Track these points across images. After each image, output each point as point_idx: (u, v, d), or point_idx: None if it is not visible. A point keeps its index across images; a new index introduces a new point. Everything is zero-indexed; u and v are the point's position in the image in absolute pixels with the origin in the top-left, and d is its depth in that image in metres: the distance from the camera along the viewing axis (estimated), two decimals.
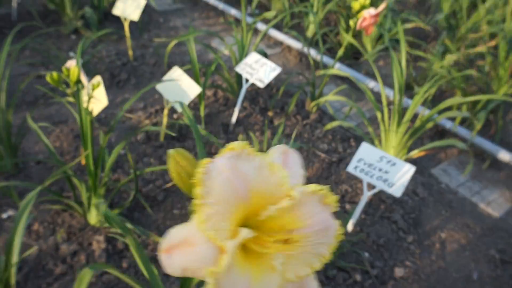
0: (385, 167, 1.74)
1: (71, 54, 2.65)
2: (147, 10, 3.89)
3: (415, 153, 2.27)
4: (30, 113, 1.69)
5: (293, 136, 1.85)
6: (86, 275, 0.98)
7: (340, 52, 2.37)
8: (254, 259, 0.60)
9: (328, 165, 2.26)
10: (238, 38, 2.54)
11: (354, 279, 1.69)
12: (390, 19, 3.26)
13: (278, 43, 3.62)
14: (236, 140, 2.32)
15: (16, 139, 1.83)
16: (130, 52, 2.93)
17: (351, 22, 2.24)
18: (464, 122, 2.72)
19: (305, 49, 3.34)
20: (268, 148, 1.88)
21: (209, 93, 2.69)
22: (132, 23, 3.43)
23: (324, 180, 2.15)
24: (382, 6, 2.09)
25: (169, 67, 2.92)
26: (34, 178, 1.94)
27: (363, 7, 2.18)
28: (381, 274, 1.75)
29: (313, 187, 0.59)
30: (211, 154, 2.23)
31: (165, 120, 2.11)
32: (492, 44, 2.80)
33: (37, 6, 3.61)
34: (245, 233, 0.56)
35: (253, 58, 2.32)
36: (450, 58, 2.43)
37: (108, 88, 2.66)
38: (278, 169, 0.58)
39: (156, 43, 2.20)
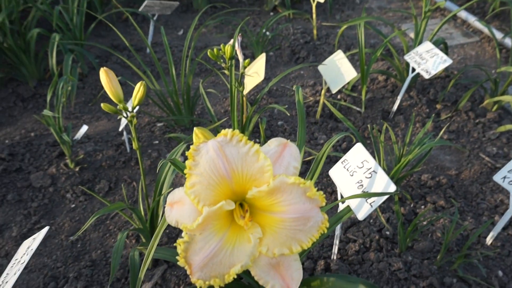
0: None
1: (267, 33, 2.99)
2: None
3: None
4: (203, 80, 2.04)
5: (442, 131, 1.75)
6: None
7: None
8: (237, 229, 0.71)
9: (489, 170, 2.06)
10: (418, 24, 2.45)
11: None
12: None
13: (478, 32, 3.29)
14: (393, 127, 2.29)
15: (193, 100, 2.23)
16: (315, 32, 3.10)
17: None
18: None
19: (506, 41, 2.97)
20: (419, 142, 1.83)
21: (380, 78, 2.68)
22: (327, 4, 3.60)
23: (479, 185, 1.98)
24: None
25: (348, 49, 3.00)
26: None
27: None
28: None
29: (293, 179, 0.65)
30: (364, 138, 2.27)
31: (322, 99, 2.23)
32: None
33: None
34: (222, 204, 0.67)
35: (425, 47, 2.22)
36: None
37: (286, 64, 2.91)
38: (262, 158, 0.66)
39: (342, 24, 2.31)
